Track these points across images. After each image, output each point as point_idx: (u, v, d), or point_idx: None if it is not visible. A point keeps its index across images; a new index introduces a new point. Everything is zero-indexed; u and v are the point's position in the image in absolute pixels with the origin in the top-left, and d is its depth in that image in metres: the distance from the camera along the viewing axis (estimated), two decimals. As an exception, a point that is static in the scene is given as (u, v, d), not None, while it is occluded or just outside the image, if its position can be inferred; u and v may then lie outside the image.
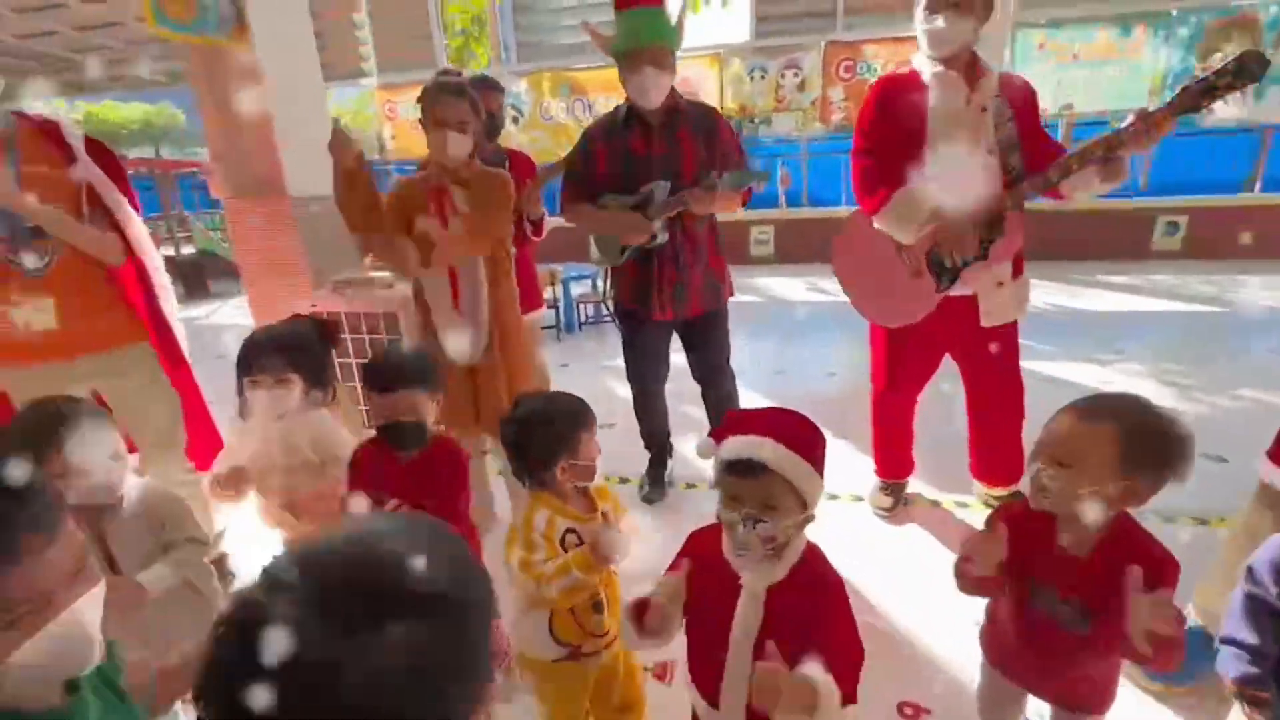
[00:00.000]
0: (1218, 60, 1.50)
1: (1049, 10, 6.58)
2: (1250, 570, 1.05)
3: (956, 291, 1.92)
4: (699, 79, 7.57)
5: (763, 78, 7.55)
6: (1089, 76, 6.63)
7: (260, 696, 0.36)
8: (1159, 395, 3.36)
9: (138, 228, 1.64)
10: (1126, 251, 7.30)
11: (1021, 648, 1.14)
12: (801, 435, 0.93)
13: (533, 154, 2.81)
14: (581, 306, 5.56)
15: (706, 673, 1.01)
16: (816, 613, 0.93)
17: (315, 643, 0.38)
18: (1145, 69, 6.55)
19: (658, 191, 2.04)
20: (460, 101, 1.72)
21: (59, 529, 0.62)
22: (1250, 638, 1.03)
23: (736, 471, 0.91)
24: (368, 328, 2.65)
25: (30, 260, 1.49)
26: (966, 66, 1.83)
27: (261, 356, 1.42)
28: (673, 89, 2.07)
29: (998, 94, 1.83)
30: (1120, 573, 0.95)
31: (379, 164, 8.62)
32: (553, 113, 8.38)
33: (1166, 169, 7.47)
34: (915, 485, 2.44)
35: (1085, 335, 4.36)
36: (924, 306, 1.97)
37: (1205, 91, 1.47)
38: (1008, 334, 2.02)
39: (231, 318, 6.63)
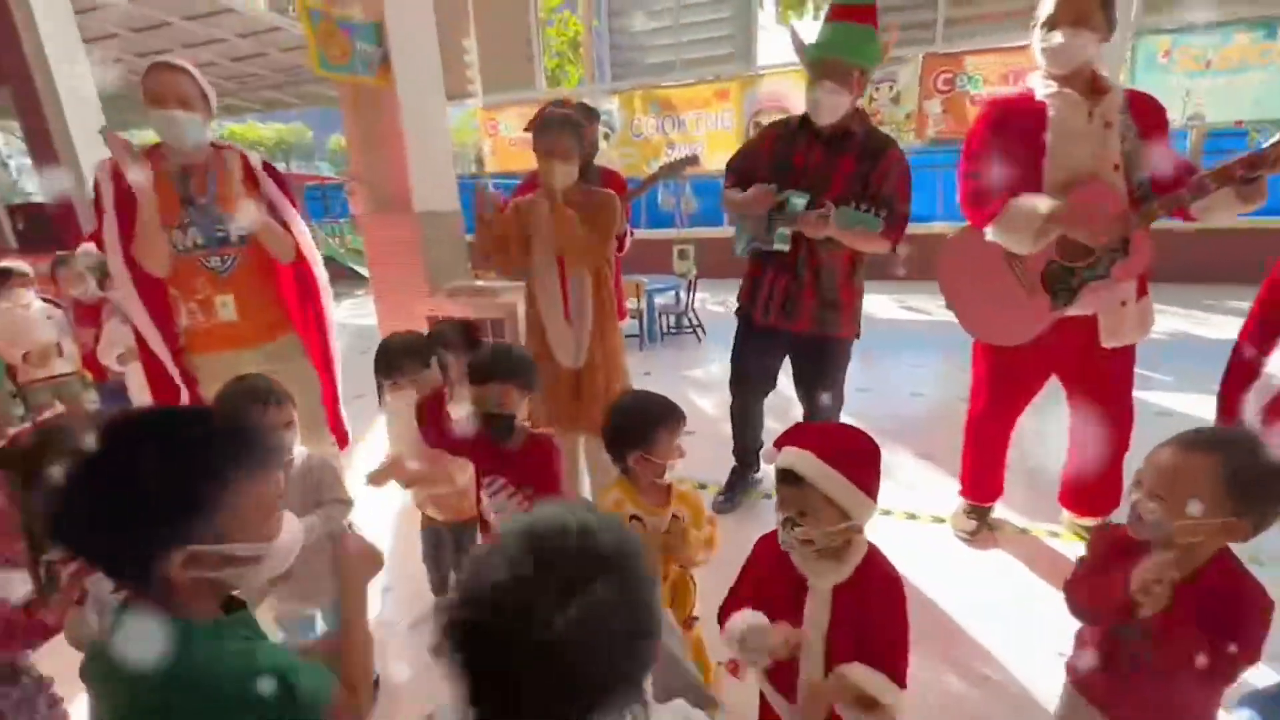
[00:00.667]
0: None
1: (1179, 14, 6.11)
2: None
3: (1075, 312, 1.84)
4: (788, 92, 7.59)
5: (855, 92, 7.46)
6: (1223, 84, 6.07)
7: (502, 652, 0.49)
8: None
9: (304, 234, 1.95)
10: (1264, 276, 6.59)
11: (1108, 670, 1.13)
12: (847, 452, 0.99)
13: (622, 169, 3.00)
14: (664, 317, 5.70)
15: (781, 670, 1.07)
16: (879, 609, 1.01)
17: (548, 603, 0.49)
18: (1292, 74, 5.93)
19: (792, 200, 2.08)
20: (564, 133, 1.89)
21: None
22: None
23: (781, 478, 1.01)
24: (475, 332, 2.92)
25: (217, 262, 1.81)
26: (1087, 83, 1.76)
27: (402, 359, 1.68)
28: (859, 112, 2.09)
29: (1123, 110, 1.75)
30: (1208, 607, 0.94)
31: (477, 177, 9.19)
32: (642, 130, 8.64)
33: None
34: (999, 511, 2.37)
35: (1209, 365, 4.00)
36: (1037, 326, 1.89)
37: None
38: (1124, 357, 1.92)
39: (346, 316, 7.28)
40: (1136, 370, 1.97)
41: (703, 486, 2.74)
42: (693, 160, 2.85)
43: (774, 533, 1.11)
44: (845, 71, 1.96)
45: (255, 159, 1.88)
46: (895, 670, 0.98)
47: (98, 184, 1.74)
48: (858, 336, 2.31)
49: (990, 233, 1.86)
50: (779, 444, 1.04)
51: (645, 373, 4.51)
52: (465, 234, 4.18)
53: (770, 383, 2.44)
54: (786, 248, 2.12)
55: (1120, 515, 2.04)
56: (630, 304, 5.18)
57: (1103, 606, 1.04)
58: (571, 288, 1.98)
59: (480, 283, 3.00)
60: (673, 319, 5.73)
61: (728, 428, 2.73)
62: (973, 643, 1.78)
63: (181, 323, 1.83)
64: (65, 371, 3.18)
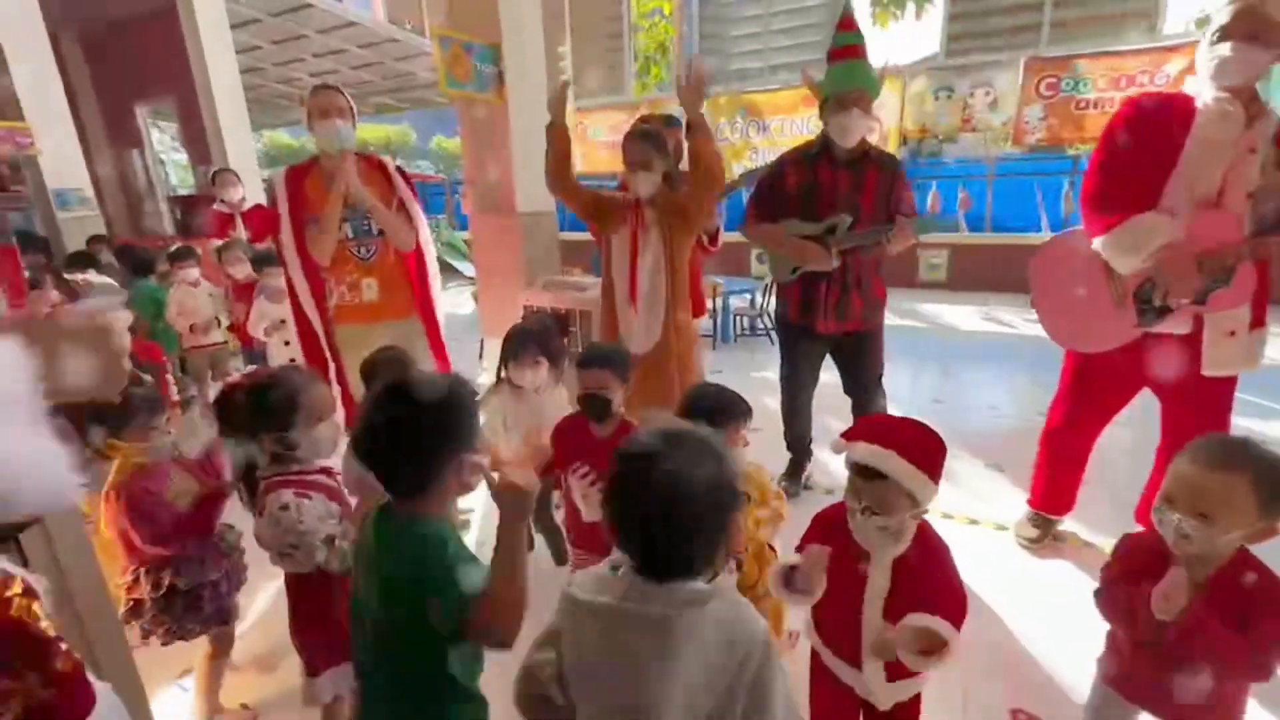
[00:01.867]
0: None
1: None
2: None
3: (1160, 329, 1.83)
4: (879, 101, 7.47)
5: (949, 97, 7.26)
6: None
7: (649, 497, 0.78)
8: None
9: (425, 228, 2.31)
10: None
11: (1137, 664, 1.19)
12: (922, 448, 1.08)
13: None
14: (738, 319, 5.82)
15: (842, 637, 1.20)
16: (933, 577, 1.12)
17: (678, 469, 0.77)
18: None
19: (841, 224, 2.26)
20: (645, 145, 2.13)
21: None
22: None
23: (861, 474, 1.10)
24: (568, 321, 3.21)
25: (364, 251, 2.19)
26: (1247, 101, 1.66)
27: (529, 342, 1.96)
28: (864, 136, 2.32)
29: (1272, 140, 1.66)
30: (1232, 600, 1.02)
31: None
32: (726, 134, 8.76)
33: None
34: (1069, 524, 2.37)
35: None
36: (1119, 337, 1.88)
37: None
38: (1226, 385, 1.86)
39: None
40: (1251, 398, 1.90)
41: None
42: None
43: (829, 510, 1.25)
44: (868, 99, 2.21)
45: (391, 164, 2.24)
46: (953, 618, 1.08)
47: (274, 189, 2.14)
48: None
49: (1099, 244, 1.83)
50: (849, 436, 1.12)
51: (717, 370, 4.67)
52: (558, 232, 4.56)
53: (816, 377, 2.65)
54: (837, 264, 2.32)
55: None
56: (708, 304, 5.35)
57: (1129, 621, 1.12)
58: (641, 278, 2.20)
59: (570, 278, 3.31)
60: (747, 321, 5.84)
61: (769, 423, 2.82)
62: (1018, 637, 1.85)
63: (331, 301, 2.21)
64: (219, 341, 3.73)
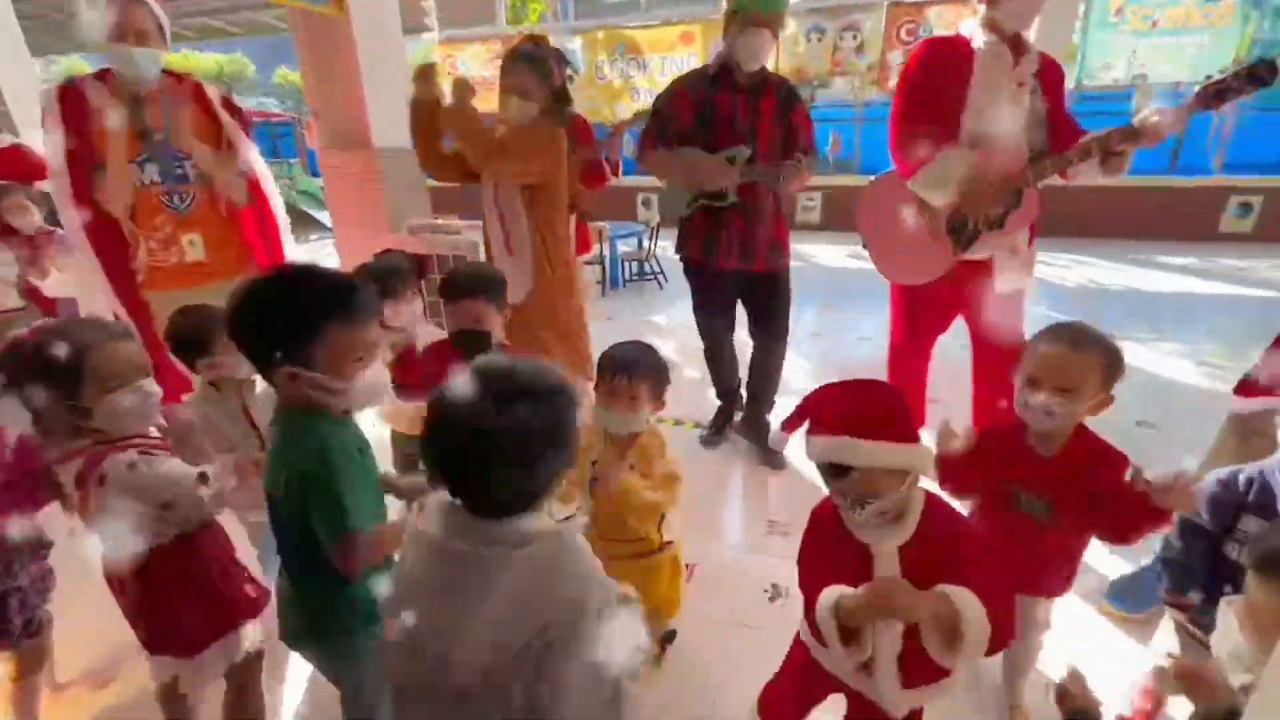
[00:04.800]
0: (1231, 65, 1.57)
1: (1131, -28, 6.24)
2: (1190, 499, 1.22)
3: (972, 256, 2.03)
4: (755, 39, 7.49)
5: (819, 40, 7.42)
6: (1167, 44, 6.29)
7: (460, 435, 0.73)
8: (1193, 376, 3.40)
9: (265, 175, 1.94)
10: (1192, 232, 7.01)
11: (998, 546, 1.32)
12: (881, 416, 0.91)
13: (586, 114, 3.03)
14: (626, 264, 5.77)
15: (852, 637, 0.99)
16: (952, 563, 0.92)
17: (487, 410, 0.72)
18: (1231, 37, 6.17)
19: (739, 156, 2.19)
20: (524, 69, 1.91)
21: (374, 316, 1.02)
22: (1182, 555, 1.22)
23: (829, 472, 0.94)
24: (439, 268, 2.96)
25: (177, 201, 1.81)
26: (1014, 41, 1.86)
27: (402, 274, 1.76)
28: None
29: (1036, 72, 1.88)
30: (1081, 470, 1.14)
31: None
32: (606, 72, 8.44)
33: (1245, 147, 7.06)
34: (926, 439, 2.60)
35: (1131, 314, 4.34)
36: (939, 268, 2.07)
37: (1219, 94, 1.57)
38: (1016, 298, 2.12)
39: (299, 258, 7.09)
40: (1064, 316, 2.15)
41: (678, 423, 2.93)
42: None
43: (827, 504, 1.07)
44: (779, 20, 2.12)
45: (214, 93, 1.86)
46: (991, 608, 0.87)
47: (45, 113, 1.71)
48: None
49: (912, 184, 1.99)
50: (791, 426, 0.99)
51: (608, 318, 4.62)
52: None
53: (733, 323, 2.61)
54: (736, 199, 2.25)
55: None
56: (594, 250, 5.23)
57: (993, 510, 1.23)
58: (509, 220, 2.05)
59: (441, 220, 3.01)
60: (635, 266, 5.80)
61: (690, 372, 2.86)
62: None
63: (140, 259, 1.83)
64: (14, 307, 3.09)
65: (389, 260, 1.84)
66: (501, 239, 2.08)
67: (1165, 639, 1.30)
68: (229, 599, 1.22)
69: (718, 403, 2.84)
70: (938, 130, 1.90)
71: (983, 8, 1.87)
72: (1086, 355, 1.12)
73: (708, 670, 1.62)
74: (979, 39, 1.88)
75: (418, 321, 1.86)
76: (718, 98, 2.22)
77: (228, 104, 1.89)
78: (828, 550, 1.02)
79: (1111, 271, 5.81)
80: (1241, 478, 1.16)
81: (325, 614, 1.05)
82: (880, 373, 2.82)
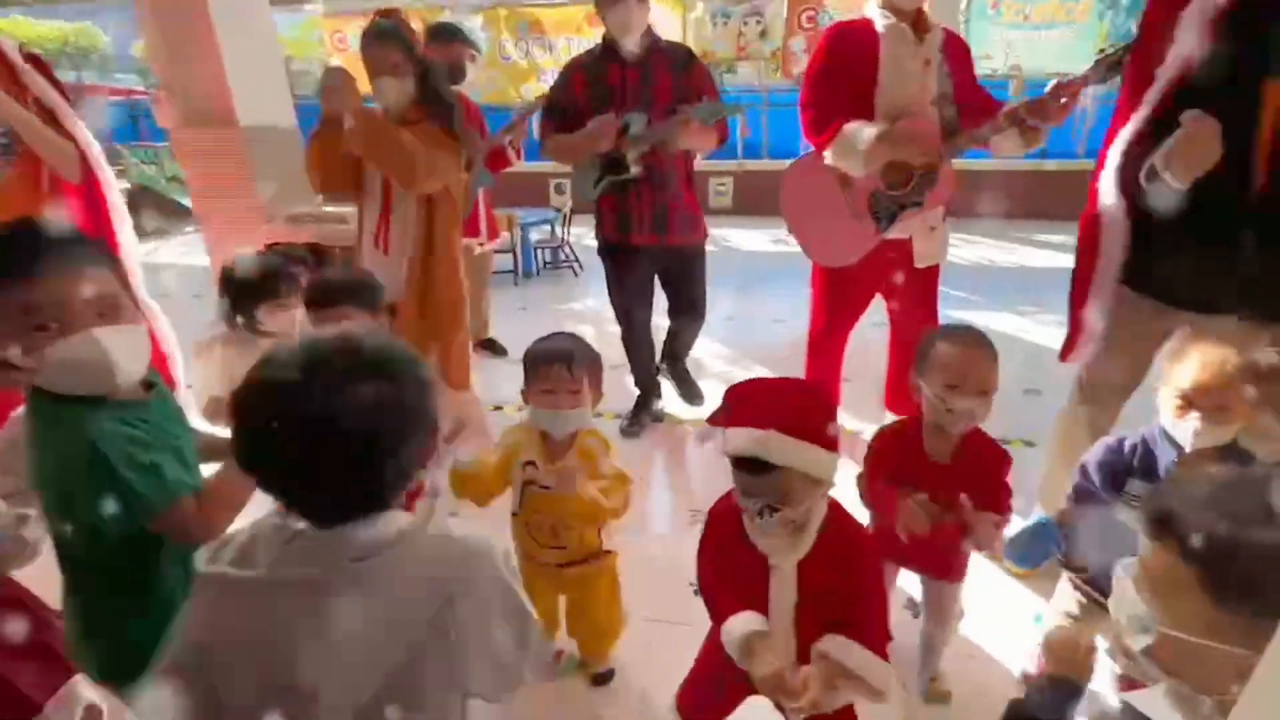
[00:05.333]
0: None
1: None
2: (1082, 467, 1.28)
3: (892, 235, 2.07)
4: (660, 22, 7.44)
5: (724, 24, 7.47)
6: (1038, 37, 6.81)
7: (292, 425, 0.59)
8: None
9: (91, 146, 1.65)
10: (1064, 212, 7.65)
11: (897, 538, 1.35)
12: (809, 416, 0.87)
13: (488, 96, 2.86)
14: (540, 251, 5.59)
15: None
16: (848, 580, 0.91)
17: (322, 391, 0.59)
18: (1091, 32, 6.77)
19: (634, 124, 2.12)
20: (388, 46, 1.73)
21: (80, 269, 0.84)
22: (1075, 520, 1.27)
23: (745, 467, 0.87)
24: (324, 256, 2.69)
25: None
26: (915, 20, 1.91)
27: (278, 281, 1.56)
28: (650, 28, 2.18)
29: (941, 49, 1.93)
30: (973, 474, 1.17)
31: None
32: (509, 52, 8.11)
33: (1102, 135, 7.80)
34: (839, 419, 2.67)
35: (1016, 289, 4.68)
36: (862, 248, 2.10)
37: (1112, 66, 1.62)
38: (933, 275, 2.21)
39: (173, 256, 6.40)
40: (953, 291, 2.27)
41: (597, 415, 2.83)
42: None
43: (724, 505, 1.03)
44: None
45: (11, 46, 1.56)
46: (875, 642, 0.88)
47: None
48: (706, 235, 2.49)
49: (828, 156, 1.98)
50: (718, 420, 0.91)
51: (522, 308, 4.45)
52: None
53: (652, 305, 2.57)
54: (640, 171, 2.20)
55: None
56: (504, 238, 5.02)
57: (888, 512, 1.22)
58: (395, 216, 1.88)
59: (329, 208, 2.73)
60: (549, 253, 5.64)
61: (610, 357, 2.74)
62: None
63: None
64: None
65: (261, 259, 1.62)
66: (375, 233, 1.92)
67: (1064, 598, 1.37)
68: (55, 647, 1.03)
69: (636, 391, 2.78)
70: (847, 111, 1.91)
71: None
72: (990, 354, 1.16)
73: (630, 670, 1.56)
74: (880, 21, 1.90)
75: (298, 329, 1.64)
76: (609, 74, 2.18)
77: (35, 61, 1.58)
78: (726, 557, 0.99)
79: (997, 250, 6.25)
80: (1127, 443, 1.22)
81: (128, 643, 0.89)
82: (796, 354, 2.87)
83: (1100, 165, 1.52)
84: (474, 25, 8.06)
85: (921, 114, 1.94)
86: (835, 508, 0.96)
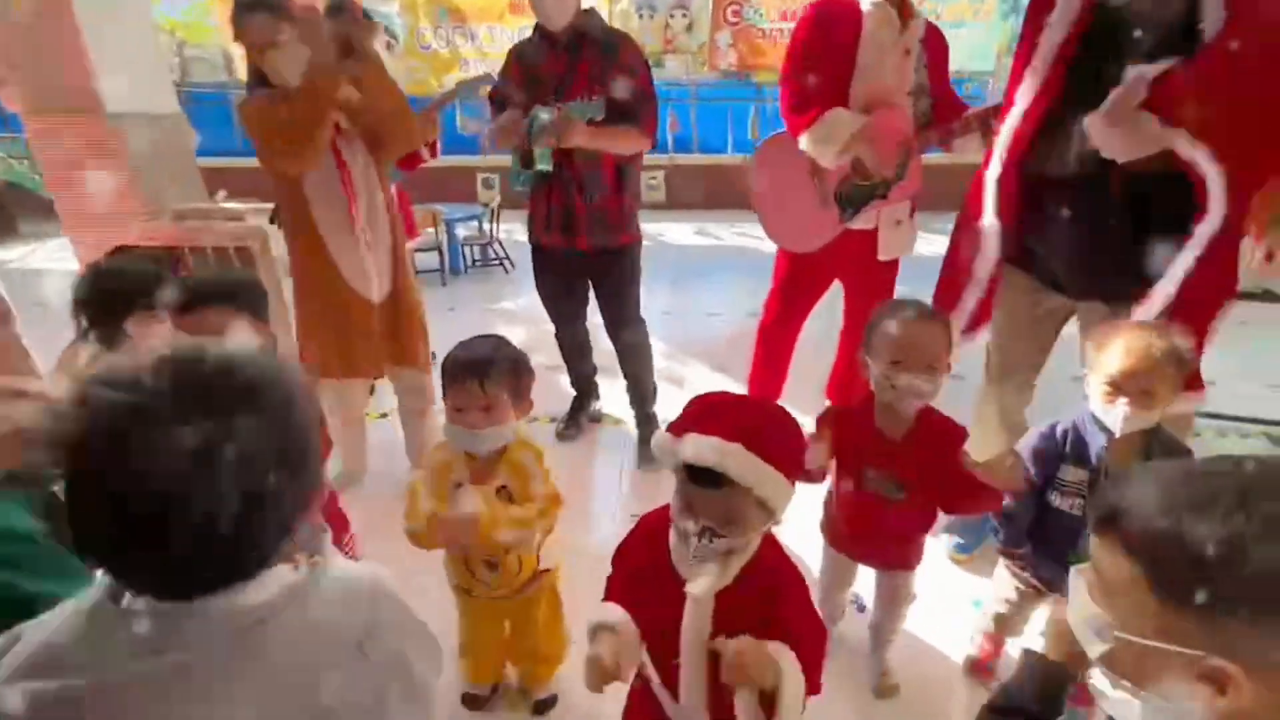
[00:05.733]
0: None
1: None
2: (1015, 455, 1.28)
3: (857, 225, 2.05)
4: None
5: (651, 18, 7.42)
6: (949, 35, 7.11)
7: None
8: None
9: None
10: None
11: (854, 526, 1.33)
12: (779, 440, 0.81)
13: (409, 86, 2.67)
14: (467, 249, 5.37)
15: (665, 668, 0.92)
16: (771, 608, 0.85)
17: (173, 436, 0.46)
18: (995, 31, 7.16)
19: (540, 116, 1.99)
20: (265, 17, 1.57)
21: None
22: (1011, 508, 1.28)
23: (696, 478, 0.78)
24: (216, 263, 2.42)
25: None
26: (901, 4, 1.84)
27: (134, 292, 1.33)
28: (591, 12, 2.06)
29: (922, 39, 1.89)
30: (929, 449, 1.14)
31: (228, 88, 7.61)
32: (430, 41, 7.76)
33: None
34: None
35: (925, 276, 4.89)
36: (827, 235, 2.07)
37: None
38: (893, 269, 2.20)
39: (50, 261, 5.75)
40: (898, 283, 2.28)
41: (531, 420, 2.71)
42: (487, 80, 2.61)
43: (656, 518, 0.96)
44: None
45: None
46: (807, 675, 0.83)
47: None
48: (634, 239, 2.28)
49: (803, 141, 1.92)
50: (680, 428, 0.82)
51: (449, 309, 4.24)
52: (191, 144, 3.29)
53: (583, 304, 2.40)
54: (549, 167, 2.04)
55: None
56: (428, 234, 4.78)
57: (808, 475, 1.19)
58: (361, 201, 1.73)
59: (223, 204, 2.45)
60: (477, 250, 5.42)
61: (543, 358, 2.64)
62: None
63: None
64: None
65: (128, 261, 1.41)
66: (349, 224, 1.77)
67: (1003, 585, 1.39)
68: None
69: (573, 392, 2.68)
70: (827, 90, 1.85)
71: None
72: (937, 328, 1.13)
73: (574, 694, 1.47)
74: (866, 1, 1.84)
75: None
76: (542, 59, 2.06)
77: None
78: (642, 573, 0.91)
79: (930, 241, 6.52)
80: (1059, 430, 1.23)
81: None
82: (734, 348, 2.85)
83: (989, 154, 1.52)
84: (390, 11, 7.66)
85: (897, 104, 1.90)
86: (771, 543, 0.89)
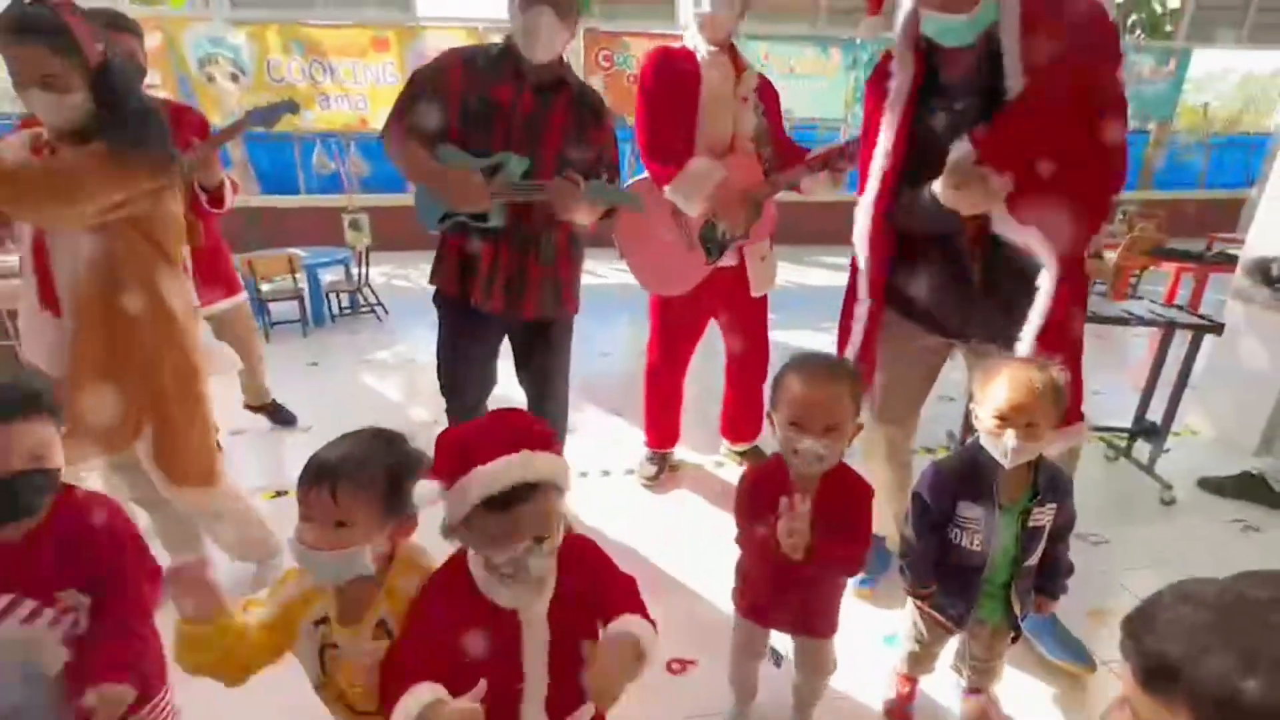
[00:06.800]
0: None
1: (767, 27, 7.57)
2: (915, 495, 1.27)
3: (724, 263, 2.11)
4: (458, 52, 7.15)
5: (524, 58, 7.43)
6: (803, 87, 7.79)
7: None
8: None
9: None
10: (844, 237, 8.80)
11: (767, 592, 1.24)
12: (538, 428, 0.87)
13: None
14: (333, 296, 4.92)
15: (506, 700, 0.89)
16: (593, 589, 0.93)
17: None
18: (840, 84, 7.93)
19: (511, 165, 1.65)
20: (34, 47, 1.21)
21: None
22: (917, 547, 1.27)
23: (509, 502, 0.80)
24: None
25: None
26: (731, 54, 1.94)
27: None
28: (566, 62, 1.76)
29: (755, 89, 1.99)
30: (836, 509, 1.08)
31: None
32: (283, 73, 7.22)
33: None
34: (680, 452, 2.61)
35: (809, 308, 5.14)
36: (696, 277, 2.11)
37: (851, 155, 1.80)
38: (763, 303, 2.26)
39: None
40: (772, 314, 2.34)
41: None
42: (290, 108, 2.22)
43: (442, 583, 0.90)
44: (570, 5, 1.61)
45: None
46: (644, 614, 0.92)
47: None
48: (577, 309, 2.01)
49: (669, 191, 1.96)
50: (444, 471, 0.82)
51: (312, 362, 3.81)
52: None
53: (494, 378, 1.97)
54: (502, 223, 1.71)
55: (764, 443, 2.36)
56: (282, 281, 4.32)
57: (763, 557, 1.12)
58: (61, 266, 1.37)
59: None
60: (345, 298, 4.99)
61: (417, 412, 2.39)
62: (667, 580, 1.90)
63: None
64: None
65: None
66: (37, 290, 1.40)
67: (912, 624, 1.37)
68: None
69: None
70: (680, 138, 1.92)
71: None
72: (840, 387, 1.07)
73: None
74: (702, 49, 1.93)
75: None
76: (500, 87, 1.66)
77: None
78: (452, 628, 0.85)
79: (797, 272, 6.90)
80: (953, 465, 1.24)
81: None
82: (630, 385, 2.76)
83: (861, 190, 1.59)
84: (237, 43, 7.05)
85: (744, 149, 1.99)
86: (569, 536, 0.93)
